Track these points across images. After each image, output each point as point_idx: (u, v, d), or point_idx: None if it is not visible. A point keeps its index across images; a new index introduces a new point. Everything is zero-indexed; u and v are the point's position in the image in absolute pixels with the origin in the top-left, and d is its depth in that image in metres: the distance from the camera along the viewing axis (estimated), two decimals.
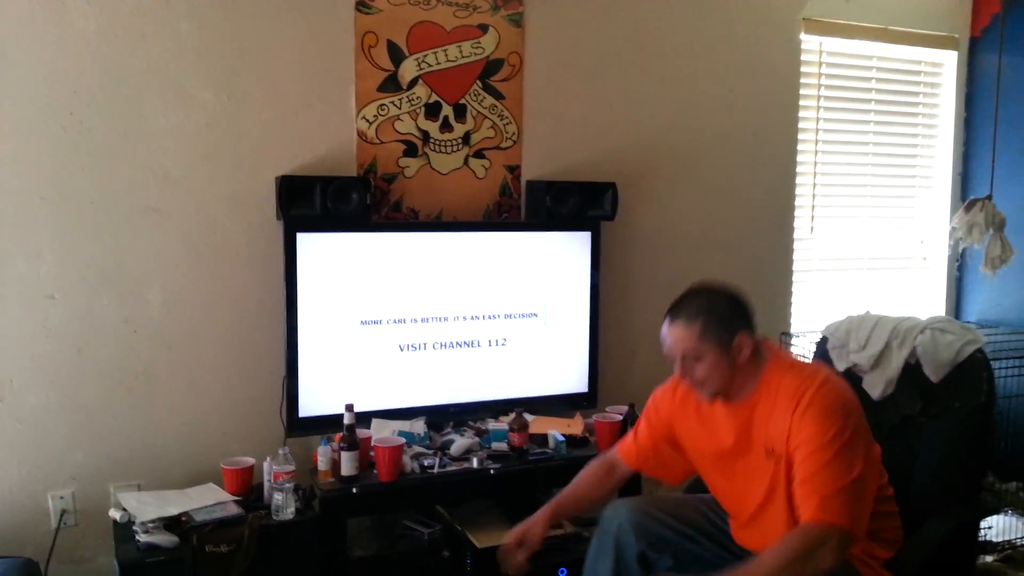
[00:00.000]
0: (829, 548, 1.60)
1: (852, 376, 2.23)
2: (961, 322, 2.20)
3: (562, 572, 2.37)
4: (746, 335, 1.79)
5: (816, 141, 3.62)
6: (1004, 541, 3.15)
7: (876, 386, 2.20)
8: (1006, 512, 3.40)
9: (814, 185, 3.65)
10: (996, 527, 3.25)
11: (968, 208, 3.27)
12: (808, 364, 1.93)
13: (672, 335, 1.81)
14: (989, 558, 3.04)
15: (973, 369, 2.09)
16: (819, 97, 3.60)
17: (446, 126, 2.87)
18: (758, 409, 1.81)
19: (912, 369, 2.16)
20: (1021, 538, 3.18)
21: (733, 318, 1.79)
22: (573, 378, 2.99)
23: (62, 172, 2.44)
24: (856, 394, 1.82)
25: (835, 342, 2.35)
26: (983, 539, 3.16)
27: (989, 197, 3.25)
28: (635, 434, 2.10)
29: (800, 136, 3.53)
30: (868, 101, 3.74)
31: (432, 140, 2.86)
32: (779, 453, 1.76)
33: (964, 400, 2.08)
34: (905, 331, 2.21)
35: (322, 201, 2.52)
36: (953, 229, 3.35)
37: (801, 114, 3.52)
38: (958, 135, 3.90)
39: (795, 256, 3.58)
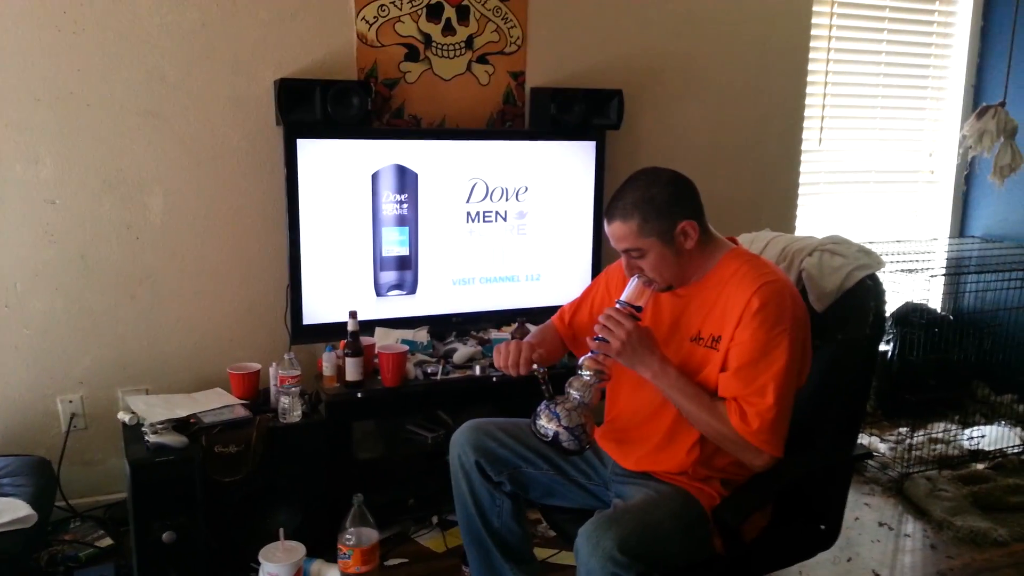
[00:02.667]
0: (750, 459, 1.63)
1: None
2: (860, 244, 1.91)
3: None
4: (689, 221, 1.65)
5: (828, 49, 3.54)
6: (996, 450, 3.22)
7: None
8: (999, 423, 3.46)
9: (824, 95, 3.58)
10: (989, 436, 3.32)
11: (980, 115, 3.21)
12: (774, 266, 1.77)
13: (612, 234, 1.68)
14: (980, 465, 3.12)
15: (861, 298, 1.81)
16: (833, 2, 3.49)
17: (448, 29, 2.79)
18: (701, 294, 1.71)
19: (801, 295, 1.84)
20: (1013, 447, 3.24)
21: (673, 205, 1.64)
22: (576, 288, 2.99)
23: (57, 73, 2.38)
24: None
25: None
26: (975, 447, 3.23)
27: (1003, 104, 3.18)
28: (577, 302, 2.03)
29: (812, 44, 3.44)
30: (883, 8, 3.64)
31: (434, 44, 2.78)
32: (707, 337, 1.68)
33: (848, 332, 1.82)
34: (794, 252, 1.95)
35: (322, 106, 2.47)
36: (963, 137, 3.29)
37: (814, 20, 3.42)
38: (973, 46, 3.80)
39: (802, 168, 3.53)
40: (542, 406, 1.66)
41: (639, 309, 1.66)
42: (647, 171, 1.71)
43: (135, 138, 2.49)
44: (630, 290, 1.68)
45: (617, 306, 1.66)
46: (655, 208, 1.63)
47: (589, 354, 1.66)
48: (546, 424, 1.63)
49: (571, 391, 1.64)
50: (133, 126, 2.48)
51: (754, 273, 1.66)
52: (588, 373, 1.64)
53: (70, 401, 2.54)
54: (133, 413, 2.32)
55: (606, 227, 1.71)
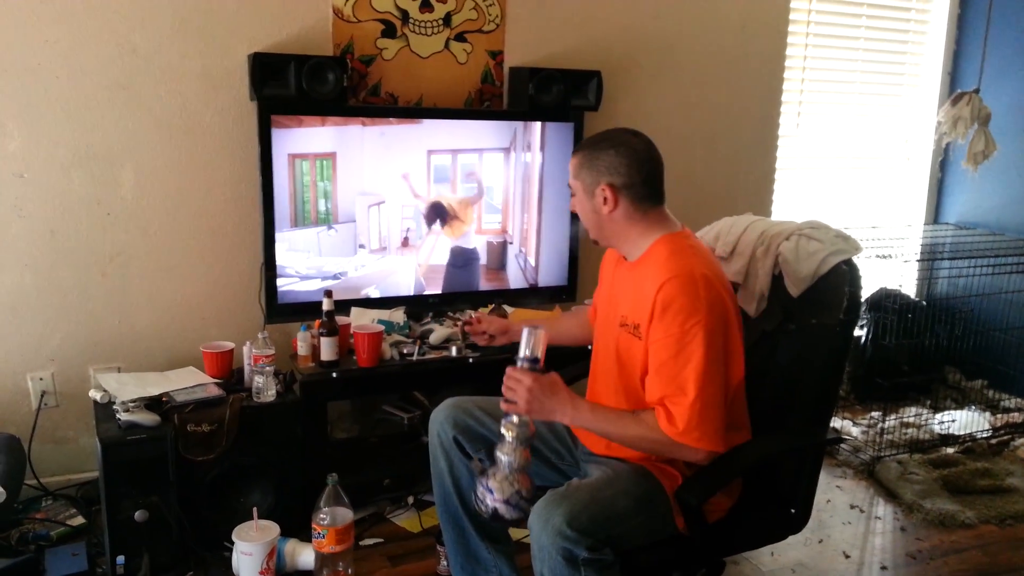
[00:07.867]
0: (689, 457, 1.63)
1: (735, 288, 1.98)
2: (838, 229, 1.90)
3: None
4: (612, 188, 1.66)
5: (807, 34, 3.54)
6: (966, 434, 3.27)
7: (750, 302, 1.96)
8: (969, 408, 3.51)
9: (802, 80, 3.59)
10: (959, 421, 3.36)
11: (955, 102, 3.23)
12: (701, 254, 1.70)
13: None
14: (950, 450, 3.16)
15: (835, 283, 1.80)
16: None
17: (426, 5, 2.76)
18: (631, 276, 1.73)
19: (777, 280, 1.91)
20: (982, 431, 3.29)
21: (608, 165, 1.66)
22: (553, 271, 3.00)
23: (24, 44, 2.33)
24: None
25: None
26: (946, 432, 3.27)
27: (977, 91, 3.21)
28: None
29: (790, 28, 3.44)
30: None
31: (411, 20, 2.75)
32: (630, 324, 1.69)
33: (821, 317, 1.80)
34: (771, 237, 1.94)
35: (297, 81, 2.43)
36: (938, 123, 3.31)
37: (793, 4, 3.42)
38: (950, 33, 3.83)
39: (779, 152, 3.54)
40: (478, 484, 1.66)
41: (536, 360, 1.64)
42: (623, 129, 1.76)
43: (105, 112, 2.44)
44: (523, 343, 1.65)
45: (517, 363, 1.65)
46: (590, 158, 1.70)
47: (504, 418, 1.66)
48: (484, 501, 1.64)
49: (500, 455, 1.64)
50: (103, 99, 2.43)
51: (667, 266, 1.62)
52: (510, 436, 1.64)
53: (41, 378, 2.50)
54: (105, 391, 2.28)
55: None
